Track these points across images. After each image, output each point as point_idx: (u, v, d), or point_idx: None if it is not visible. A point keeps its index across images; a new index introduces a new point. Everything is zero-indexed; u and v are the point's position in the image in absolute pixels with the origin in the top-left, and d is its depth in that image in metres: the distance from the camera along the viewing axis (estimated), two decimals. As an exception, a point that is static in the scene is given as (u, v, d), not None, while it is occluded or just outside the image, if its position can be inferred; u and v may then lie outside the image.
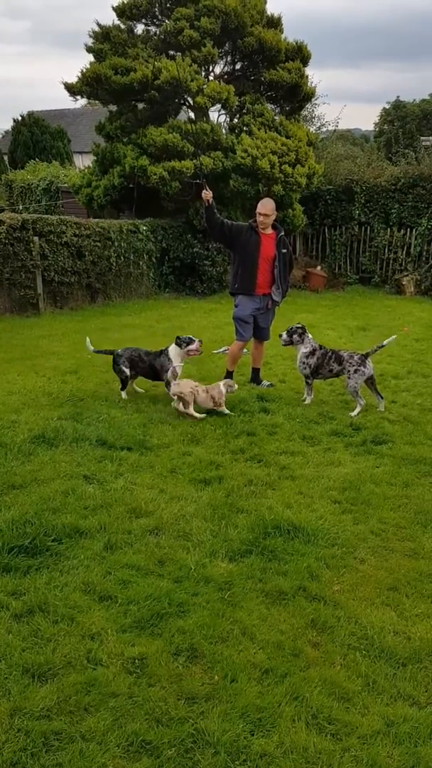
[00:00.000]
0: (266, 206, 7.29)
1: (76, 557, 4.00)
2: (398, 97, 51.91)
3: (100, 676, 3.06)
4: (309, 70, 15.17)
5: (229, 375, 7.63)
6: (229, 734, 2.77)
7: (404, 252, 15.98)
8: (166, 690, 3.01)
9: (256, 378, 7.86)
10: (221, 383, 6.79)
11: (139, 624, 3.41)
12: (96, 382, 7.63)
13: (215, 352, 9.27)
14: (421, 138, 24.35)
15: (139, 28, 14.78)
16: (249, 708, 2.91)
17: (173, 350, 7.03)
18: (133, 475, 5.21)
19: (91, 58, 14.31)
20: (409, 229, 15.85)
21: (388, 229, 16.09)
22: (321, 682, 3.08)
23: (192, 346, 7.01)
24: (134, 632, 3.37)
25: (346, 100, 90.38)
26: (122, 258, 13.41)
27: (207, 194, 7.12)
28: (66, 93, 14.50)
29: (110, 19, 21.36)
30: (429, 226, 15.57)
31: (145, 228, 13.92)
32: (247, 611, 3.56)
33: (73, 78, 14.60)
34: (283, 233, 7.54)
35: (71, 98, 14.78)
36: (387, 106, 50.16)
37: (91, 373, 8.02)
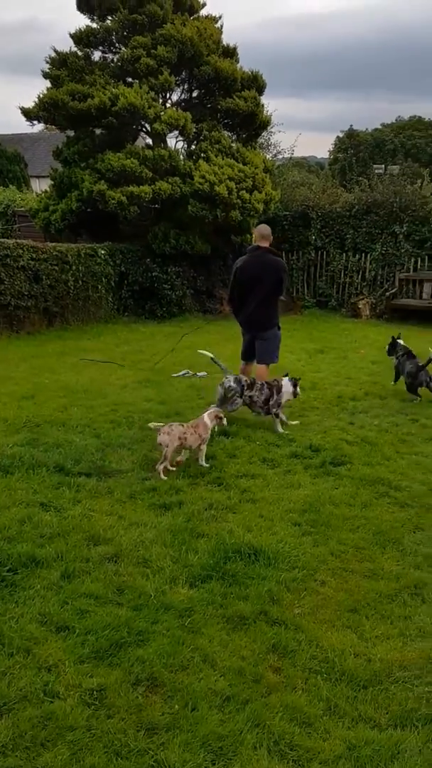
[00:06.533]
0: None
1: (33, 587, 3.91)
2: (351, 126, 53.43)
3: (57, 709, 2.97)
4: (262, 99, 15.47)
5: None
6: (189, 764, 2.71)
7: (360, 276, 16.32)
8: (126, 721, 2.94)
9: None
10: (206, 414, 6.05)
11: (98, 654, 3.34)
12: (53, 407, 7.53)
13: (175, 375, 9.27)
14: (374, 166, 25.03)
15: (96, 55, 14.95)
16: (210, 737, 2.86)
17: None
18: (92, 501, 5.13)
19: (47, 83, 14.37)
20: (363, 254, 16.21)
21: (344, 254, 16.43)
22: (282, 707, 3.05)
23: None
24: (92, 663, 3.29)
25: (296, 128, 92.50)
26: (80, 282, 13.35)
27: None
28: (23, 117, 14.53)
29: (59, 44, 21.43)
30: (383, 252, 15.96)
31: (103, 252, 13.91)
32: (207, 638, 3.52)
33: (28, 103, 14.65)
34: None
35: (28, 123, 14.81)
36: (341, 135, 51.52)
37: (48, 398, 7.92)
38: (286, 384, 7.14)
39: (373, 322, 15.30)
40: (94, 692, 3.10)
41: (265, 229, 7.85)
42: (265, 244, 7.65)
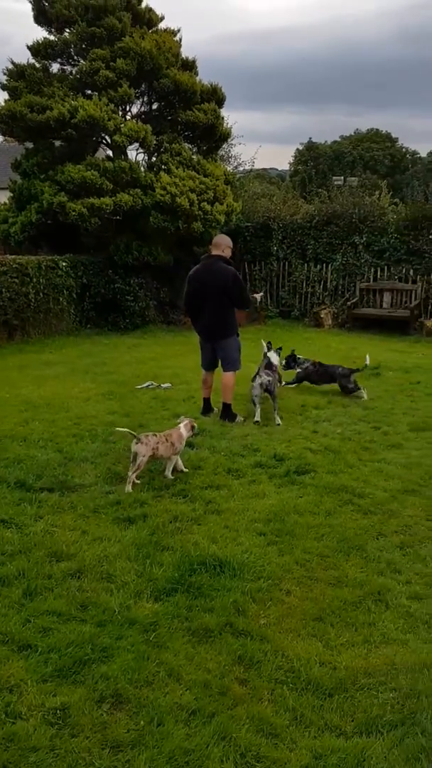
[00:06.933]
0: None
1: (-6, 606, 3.83)
2: (310, 138, 54.24)
3: (19, 730, 2.91)
4: (222, 112, 15.61)
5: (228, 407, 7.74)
6: (155, 782, 2.68)
7: (321, 286, 16.52)
8: (90, 740, 2.89)
9: (208, 408, 7.89)
10: (181, 424, 6.09)
11: (61, 672, 3.29)
12: (14, 421, 7.42)
13: (139, 387, 9.22)
14: (334, 177, 25.41)
15: (55, 68, 14.90)
16: (176, 752, 2.83)
17: None
18: (54, 517, 5.06)
19: (5, 95, 14.29)
20: (324, 265, 16.42)
21: (306, 265, 16.61)
22: (249, 719, 3.04)
23: None
24: (56, 681, 3.23)
25: (256, 140, 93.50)
26: (41, 294, 13.20)
27: None
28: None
29: (16, 55, 21.17)
30: (343, 262, 16.20)
31: (64, 264, 13.81)
32: (173, 652, 3.49)
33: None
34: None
35: (-15, 135, 14.68)
36: (301, 147, 52.22)
37: (8, 412, 7.80)
38: (274, 357, 8.39)
39: (335, 331, 15.47)
40: (58, 711, 3.04)
41: (218, 238, 7.91)
42: (217, 253, 7.67)
